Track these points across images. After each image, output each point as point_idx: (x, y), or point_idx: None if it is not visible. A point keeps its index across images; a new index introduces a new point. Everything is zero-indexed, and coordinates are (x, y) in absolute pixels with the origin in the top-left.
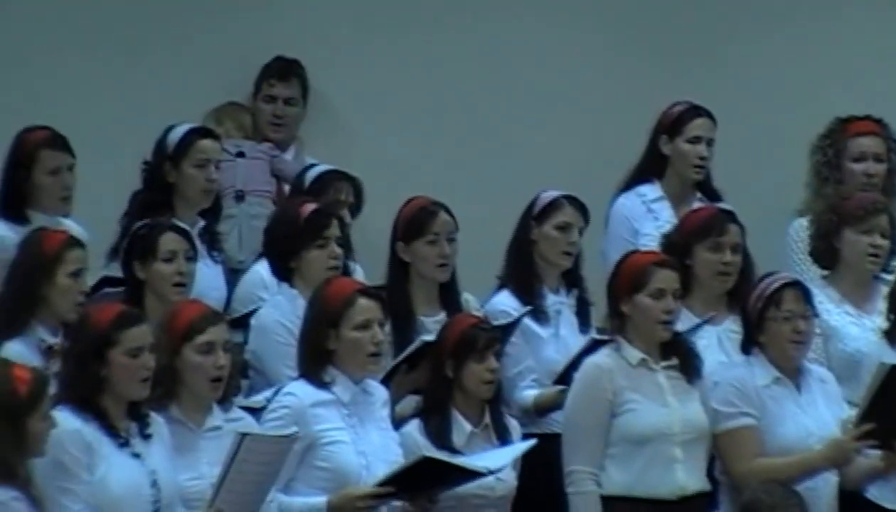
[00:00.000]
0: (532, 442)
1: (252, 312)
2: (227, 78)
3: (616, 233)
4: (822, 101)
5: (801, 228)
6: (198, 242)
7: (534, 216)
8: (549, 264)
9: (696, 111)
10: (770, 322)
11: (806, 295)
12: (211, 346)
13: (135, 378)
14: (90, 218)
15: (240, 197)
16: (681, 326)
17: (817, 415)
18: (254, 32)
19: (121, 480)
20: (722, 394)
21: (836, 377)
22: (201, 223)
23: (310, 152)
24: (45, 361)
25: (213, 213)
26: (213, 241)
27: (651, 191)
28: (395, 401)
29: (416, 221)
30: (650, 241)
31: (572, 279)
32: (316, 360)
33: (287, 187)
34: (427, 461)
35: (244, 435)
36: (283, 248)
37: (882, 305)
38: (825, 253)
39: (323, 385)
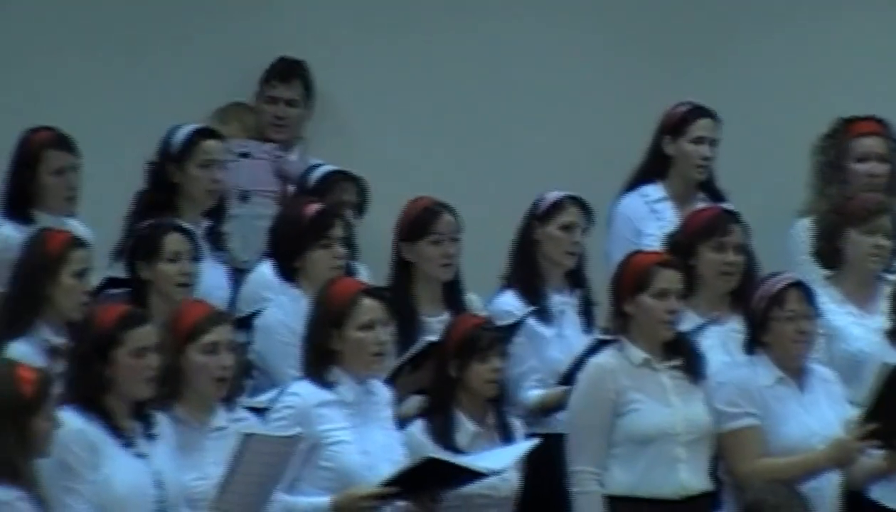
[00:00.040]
0: (535, 441)
1: (256, 313)
2: (231, 78)
3: (619, 233)
4: (825, 101)
5: (803, 229)
6: (202, 243)
7: (538, 216)
8: (553, 264)
9: (699, 111)
10: (774, 322)
11: (809, 295)
12: (215, 346)
13: (139, 378)
14: (93, 218)
15: (244, 197)
16: (684, 326)
17: (821, 415)
18: (257, 33)
19: (125, 480)
20: (725, 394)
21: (838, 377)
22: (206, 223)
23: (314, 153)
24: (50, 362)
25: (217, 214)
26: (217, 241)
27: (654, 191)
28: (398, 401)
29: (420, 222)
30: (653, 241)
31: (576, 279)
32: (320, 360)
33: (291, 188)
34: (431, 462)
35: (249, 436)
36: (288, 249)
37: (885, 305)
38: (828, 253)
39: (327, 385)
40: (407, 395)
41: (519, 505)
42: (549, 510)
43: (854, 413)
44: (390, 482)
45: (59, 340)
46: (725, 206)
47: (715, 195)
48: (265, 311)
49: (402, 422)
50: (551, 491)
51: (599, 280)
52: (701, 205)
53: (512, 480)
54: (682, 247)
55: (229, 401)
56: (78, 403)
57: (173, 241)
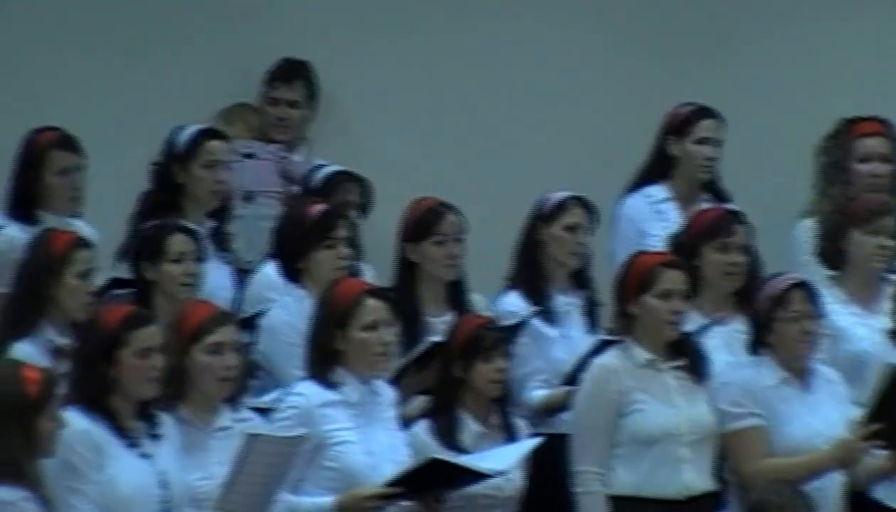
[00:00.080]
0: (538, 440)
1: (260, 313)
2: (235, 79)
3: (623, 234)
4: (828, 101)
5: (807, 229)
6: (206, 243)
7: (542, 217)
8: (557, 265)
9: (703, 112)
10: (778, 322)
11: (813, 296)
12: (220, 346)
13: (144, 379)
14: (98, 219)
15: (249, 198)
16: (688, 326)
17: (825, 415)
18: (261, 33)
19: (129, 481)
20: (729, 394)
21: (842, 378)
22: (210, 224)
23: (319, 153)
24: (54, 362)
25: (221, 214)
26: (221, 241)
27: (658, 192)
28: (403, 401)
29: (424, 222)
30: (657, 242)
31: (581, 280)
32: (324, 360)
33: (296, 188)
34: (435, 463)
35: (253, 436)
36: (292, 249)
37: (888, 305)
38: (832, 254)
39: (331, 385)
40: (411, 395)
41: (523, 505)
42: (553, 510)
43: (858, 413)
44: (394, 482)
45: (63, 341)
46: (729, 206)
47: (719, 196)
48: (270, 311)
49: (406, 422)
50: (555, 491)
51: (603, 281)
52: (705, 205)
53: (516, 481)
54: (686, 247)
55: (234, 401)
56: (82, 404)
57: (178, 242)
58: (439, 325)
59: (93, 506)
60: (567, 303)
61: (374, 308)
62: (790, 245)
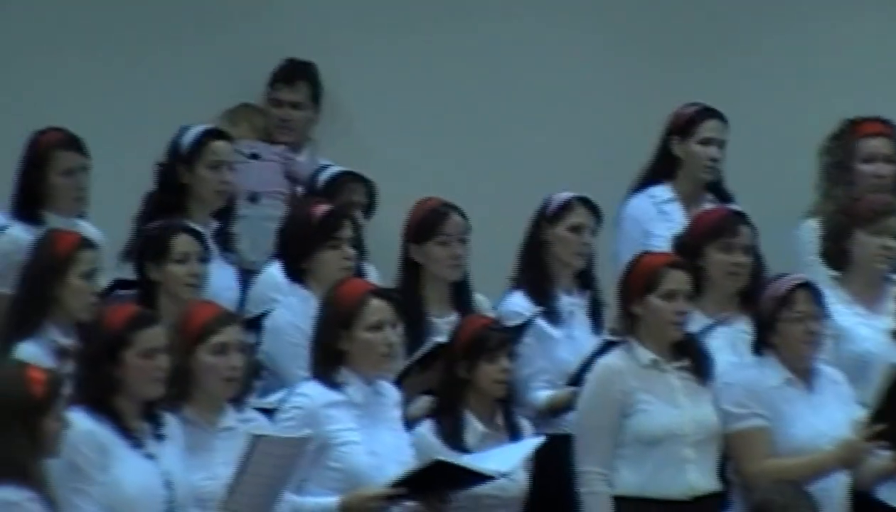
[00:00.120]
0: (541, 439)
1: (264, 314)
2: (239, 79)
3: (628, 234)
4: (831, 102)
5: (810, 230)
6: (211, 244)
7: (546, 217)
8: (562, 265)
9: (708, 113)
10: (782, 323)
11: (817, 296)
12: (224, 347)
13: (149, 379)
14: (101, 219)
15: (253, 198)
16: (692, 326)
17: (829, 416)
18: (266, 34)
19: (134, 481)
20: (734, 395)
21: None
22: (214, 224)
23: (323, 154)
24: (58, 362)
25: (226, 215)
26: (226, 242)
27: (662, 192)
28: (407, 402)
29: (428, 223)
30: (662, 242)
31: (586, 280)
32: (328, 360)
33: (300, 189)
34: (439, 464)
35: (258, 437)
36: (296, 250)
37: (892, 305)
38: (836, 254)
39: (335, 386)
40: (415, 396)
41: (527, 505)
42: (557, 511)
43: (861, 414)
44: (398, 483)
45: (67, 341)
46: (733, 207)
47: (722, 196)
48: (274, 312)
49: (410, 423)
50: (559, 492)
51: (607, 281)
52: (709, 206)
53: (520, 481)
54: (689, 248)
55: (238, 401)
56: (87, 404)
57: (182, 243)
58: (443, 325)
59: (97, 506)
60: (571, 303)
61: (378, 308)
62: (794, 245)
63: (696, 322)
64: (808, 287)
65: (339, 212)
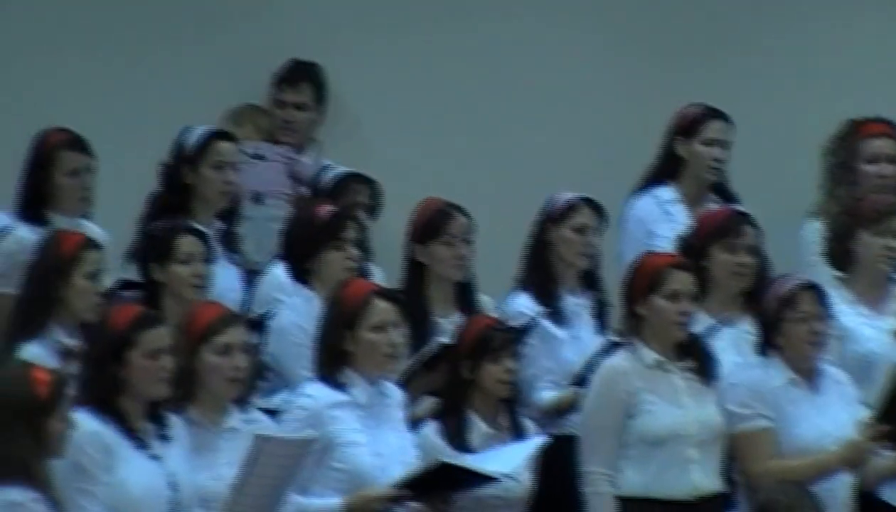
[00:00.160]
0: (544, 438)
1: (268, 314)
2: (244, 80)
3: (632, 235)
4: (835, 102)
5: (814, 230)
6: (215, 244)
7: (551, 218)
8: (566, 266)
9: (712, 113)
10: (786, 324)
11: (822, 297)
12: (229, 347)
13: (153, 380)
14: (106, 220)
15: (258, 199)
16: (697, 327)
17: (833, 416)
18: (271, 34)
19: (139, 482)
20: (738, 395)
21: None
22: (219, 225)
23: (327, 155)
24: (63, 363)
25: (230, 215)
26: (230, 242)
27: (666, 193)
28: (411, 402)
29: (432, 223)
30: (666, 242)
31: (590, 281)
32: (332, 361)
33: (305, 190)
34: (444, 466)
35: (263, 438)
36: (301, 251)
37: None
38: (840, 255)
39: (339, 386)
40: (420, 396)
41: (531, 506)
42: (562, 511)
43: (865, 414)
44: (402, 485)
45: (72, 342)
46: (737, 207)
47: (726, 197)
48: (278, 312)
49: (414, 423)
50: (564, 492)
51: (612, 282)
52: (713, 206)
53: (525, 482)
54: (694, 248)
55: (242, 402)
56: (92, 405)
57: (186, 243)
58: (448, 326)
59: (102, 507)
60: (576, 304)
61: (382, 309)
62: (797, 246)
63: (701, 323)
64: (813, 288)
65: (344, 213)
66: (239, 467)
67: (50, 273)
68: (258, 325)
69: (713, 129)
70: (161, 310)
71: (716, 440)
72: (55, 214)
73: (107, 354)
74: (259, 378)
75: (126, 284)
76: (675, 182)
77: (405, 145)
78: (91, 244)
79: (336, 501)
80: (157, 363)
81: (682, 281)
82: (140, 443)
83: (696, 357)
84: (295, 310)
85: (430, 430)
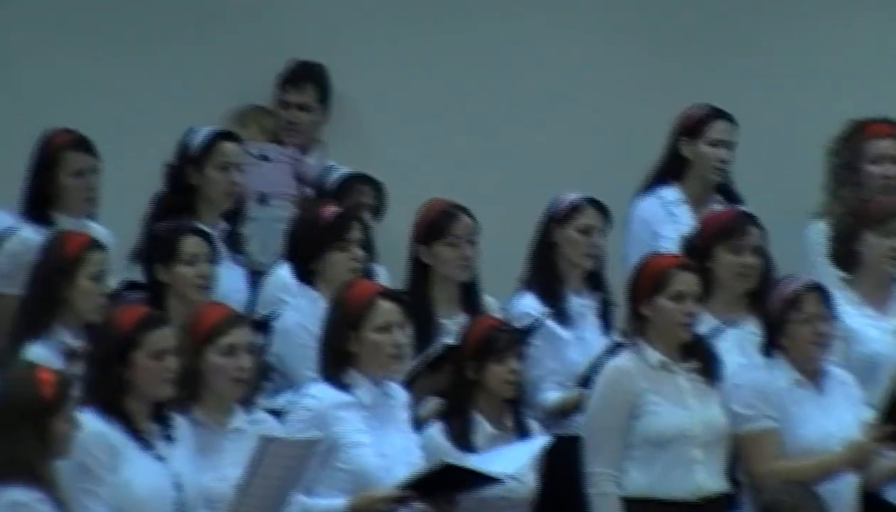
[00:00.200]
0: (548, 438)
1: (273, 315)
2: (249, 80)
3: (636, 236)
4: (839, 103)
5: (818, 231)
6: (220, 245)
7: (556, 219)
8: (571, 267)
9: (717, 114)
10: (791, 325)
11: (826, 298)
12: (233, 348)
13: (158, 380)
14: (111, 220)
15: (263, 200)
16: (701, 328)
17: (838, 417)
18: (276, 34)
19: (144, 483)
20: (743, 396)
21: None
22: (223, 226)
23: (332, 156)
24: (67, 364)
25: (235, 216)
26: (235, 243)
27: (671, 193)
28: (416, 403)
29: (437, 224)
30: (670, 243)
31: (596, 281)
32: (337, 362)
33: (310, 191)
34: (448, 467)
35: (268, 439)
36: (305, 251)
37: None
38: (845, 256)
39: (344, 387)
40: (424, 397)
41: (536, 506)
42: None
43: (870, 415)
44: (407, 485)
45: (76, 343)
46: (742, 208)
47: (731, 197)
48: (283, 313)
49: (419, 424)
50: (568, 493)
51: (616, 282)
52: (717, 207)
53: (529, 482)
54: (699, 249)
55: (247, 403)
56: (97, 406)
57: (191, 244)
58: (452, 326)
59: (107, 508)
60: (581, 305)
61: (387, 310)
62: (802, 247)
63: (705, 323)
64: (817, 289)
65: (348, 213)
66: (244, 468)
67: (54, 274)
68: (263, 325)
69: (718, 129)
70: (166, 311)
71: (720, 441)
72: (60, 215)
73: (112, 354)
74: (264, 379)
75: (130, 285)
76: (680, 183)
77: (409, 146)
78: (95, 245)
79: (341, 501)
80: (161, 364)
81: (686, 282)
82: (145, 443)
83: (701, 358)
84: (299, 311)
85: (435, 430)
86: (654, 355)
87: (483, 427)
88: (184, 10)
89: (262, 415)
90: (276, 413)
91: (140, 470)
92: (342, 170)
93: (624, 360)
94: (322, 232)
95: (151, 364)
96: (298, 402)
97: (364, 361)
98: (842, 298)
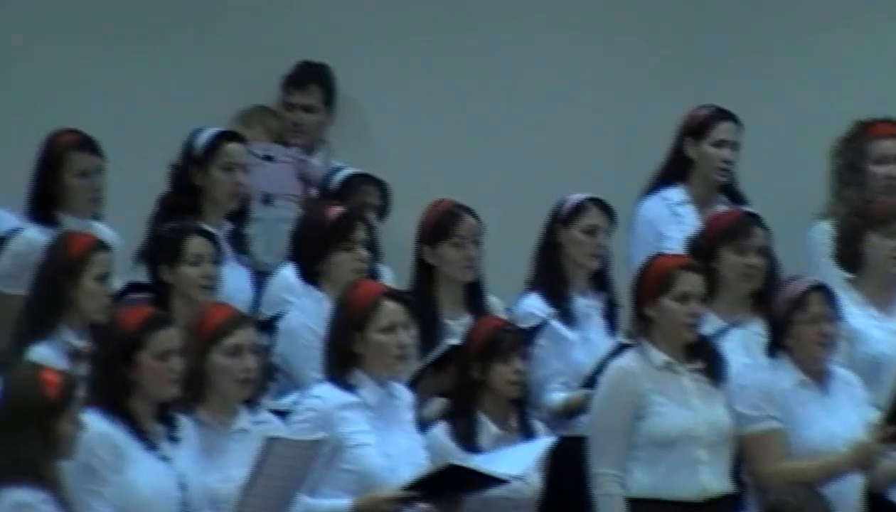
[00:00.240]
0: (553, 439)
1: (278, 316)
2: (253, 81)
3: (641, 237)
4: (844, 103)
5: (823, 231)
6: (225, 245)
7: (560, 219)
8: (576, 267)
9: (721, 115)
10: (796, 325)
11: (831, 298)
12: (238, 348)
13: (163, 381)
14: (116, 221)
15: (267, 200)
16: (706, 328)
17: (843, 418)
18: (281, 35)
19: (149, 483)
20: (748, 397)
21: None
22: (228, 226)
23: (337, 156)
24: (72, 364)
25: (240, 217)
26: (240, 244)
27: (676, 194)
28: (420, 404)
29: (441, 224)
30: (675, 244)
31: (601, 282)
32: (342, 363)
33: (314, 191)
34: (453, 468)
35: (273, 439)
36: (310, 252)
37: None
38: (849, 256)
39: (349, 388)
40: (429, 398)
41: (541, 507)
42: None
43: (875, 416)
44: (412, 486)
45: (81, 343)
46: (747, 209)
47: (736, 198)
48: (288, 314)
49: (424, 425)
50: (573, 493)
51: (621, 283)
52: (722, 208)
53: (534, 483)
54: (703, 250)
55: (252, 403)
56: (102, 407)
57: (195, 244)
58: (457, 327)
59: (112, 508)
60: (587, 305)
61: (391, 310)
62: (807, 247)
63: (710, 324)
64: (822, 289)
65: (353, 214)
66: (248, 469)
67: (59, 274)
68: (268, 326)
69: (722, 130)
70: (170, 311)
71: (725, 442)
72: (65, 216)
73: (116, 355)
74: (268, 379)
75: (133, 287)
76: (685, 183)
77: (414, 146)
78: (100, 246)
79: (345, 502)
80: (166, 365)
81: (691, 283)
82: (150, 444)
83: (705, 358)
84: (304, 311)
85: (440, 431)
86: (658, 356)
87: (488, 428)
88: (185, 9)
89: (266, 415)
90: (281, 414)
91: (145, 471)
92: (346, 170)
93: (628, 360)
94: (327, 232)
95: (156, 365)
96: (303, 402)
97: (369, 362)
98: (846, 298)
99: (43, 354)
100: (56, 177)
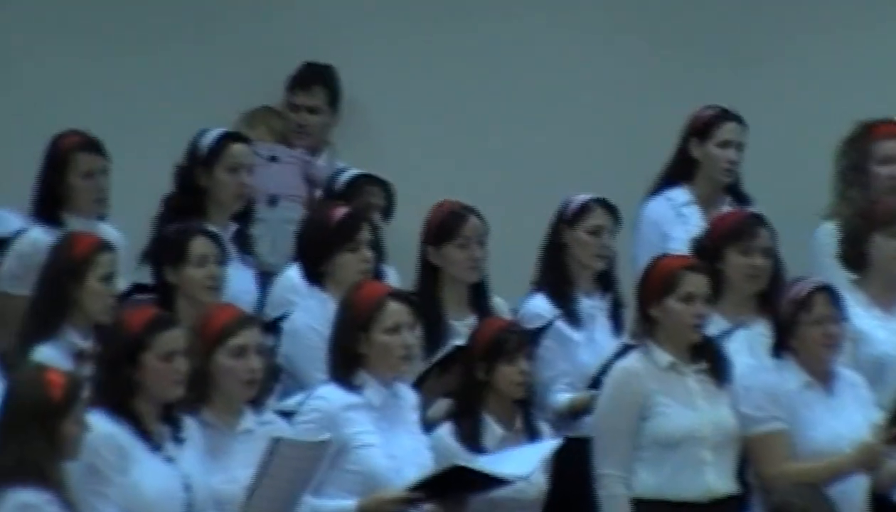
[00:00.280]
0: (558, 441)
1: (283, 316)
2: (258, 82)
3: (646, 237)
4: (848, 104)
5: (827, 232)
6: (229, 246)
7: (565, 220)
8: (582, 268)
9: (726, 115)
10: (801, 326)
11: (836, 299)
12: (243, 349)
13: (168, 382)
14: (120, 222)
15: (272, 201)
16: (711, 329)
17: (848, 419)
18: (285, 36)
19: (154, 484)
20: (753, 398)
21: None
22: (233, 227)
23: (342, 157)
24: (76, 365)
25: (245, 217)
26: (245, 244)
27: (681, 195)
28: (426, 405)
29: (446, 225)
30: (680, 245)
31: (606, 282)
32: (346, 363)
33: (319, 192)
34: (458, 469)
35: (278, 440)
36: (315, 253)
37: None
38: (854, 257)
39: (353, 389)
40: (434, 398)
41: (546, 508)
42: None
43: (880, 417)
44: (417, 487)
45: (85, 344)
46: (752, 209)
47: (740, 199)
48: (292, 314)
49: (429, 425)
50: (578, 494)
51: (625, 284)
52: (727, 208)
53: (539, 484)
54: (708, 250)
55: (257, 404)
56: (107, 407)
57: (200, 245)
58: (462, 328)
59: (116, 509)
60: (592, 306)
61: (396, 311)
62: (811, 248)
63: (715, 325)
64: (827, 290)
65: (357, 215)
66: (253, 469)
67: (63, 275)
68: (272, 327)
69: (727, 130)
70: (175, 312)
71: (730, 442)
72: (70, 216)
73: (121, 356)
74: (273, 380)
75: (138, 287)
76: (689, 184)
77: (419, 147)
78: (105, 246)
79: (350, 502)
80: (171, 365)
81: (696, 283)
82: (154, 445)
83: (710, 359)
84: (309, 312)
85: (445, 432)
86: (663, 357)
87: (492, 428)
88: (185, 9)
89: (271, 416)
90: (286, 414)
91: (149, 471)
92: (351, 171)
93: (633, 361)
94: (331, 233)
95: (161, 366)
96: (308, 403)
97: (373, 363)
98: (851, 299)
99: (47, 354)
100: (61, 178)
